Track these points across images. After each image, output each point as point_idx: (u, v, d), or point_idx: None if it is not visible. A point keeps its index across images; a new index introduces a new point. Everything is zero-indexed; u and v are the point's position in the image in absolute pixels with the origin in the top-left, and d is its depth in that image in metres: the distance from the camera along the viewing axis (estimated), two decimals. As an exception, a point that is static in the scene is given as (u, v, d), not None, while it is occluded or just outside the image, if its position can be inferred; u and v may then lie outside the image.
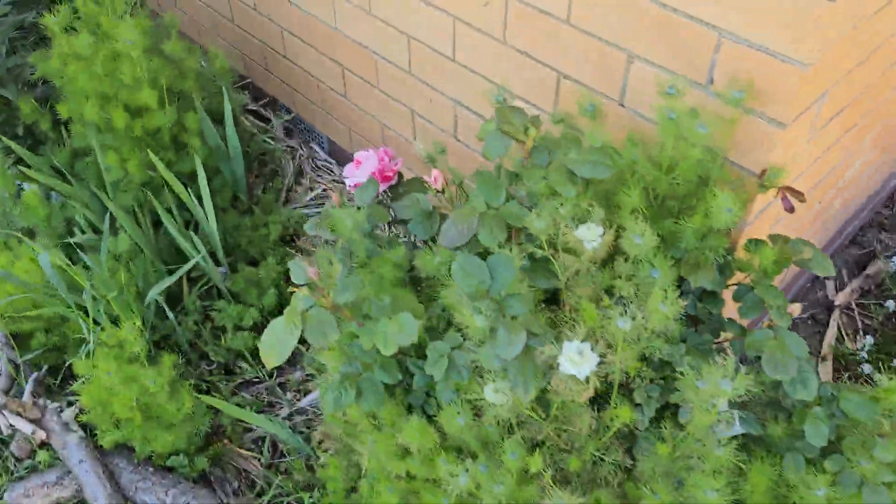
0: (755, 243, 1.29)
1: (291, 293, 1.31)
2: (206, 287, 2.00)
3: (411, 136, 2.08)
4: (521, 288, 1.14)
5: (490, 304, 1.10)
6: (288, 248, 2.18)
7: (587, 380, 1.10)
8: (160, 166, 1.87)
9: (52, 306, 1.78)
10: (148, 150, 1.89)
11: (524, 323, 1.11)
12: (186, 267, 1.87)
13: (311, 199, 2.38)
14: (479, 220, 1.27)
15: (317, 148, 2.54)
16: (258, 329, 1.92)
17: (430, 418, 1.29)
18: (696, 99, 1.31)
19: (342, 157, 2.46)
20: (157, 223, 2.01)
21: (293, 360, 1.97)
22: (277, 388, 1.92)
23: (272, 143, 2.50)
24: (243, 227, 2.10)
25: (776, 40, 1.16)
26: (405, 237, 1.69)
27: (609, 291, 1.23)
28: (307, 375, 1.94)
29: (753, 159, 1.31)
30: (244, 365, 1.94)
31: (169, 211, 1.95)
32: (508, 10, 1.55)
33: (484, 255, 1.18)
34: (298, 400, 1.91)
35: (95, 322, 1.78)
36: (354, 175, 1.63)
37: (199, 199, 1.94)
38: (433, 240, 1.42)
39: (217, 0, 2.51)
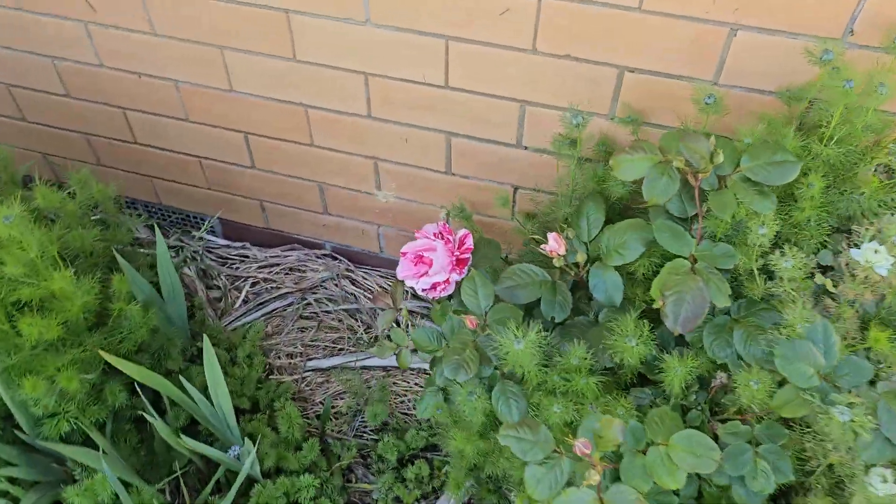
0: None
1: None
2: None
3: (373, 187, 1.70)
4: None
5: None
6: (279, 379, 1.72)
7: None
8: (117, 361, 1.31)
9: None
10: (79, 349, 1.31)
11: None
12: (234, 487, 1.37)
13: (249, 300, 1.89)
14: (705, 285, 1.04)
15: (207, 236, 2.00)
16: None
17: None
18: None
19: (247, 236, 1.97)
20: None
21: None
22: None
23: (143, 248, 1.91)
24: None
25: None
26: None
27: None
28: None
29: None
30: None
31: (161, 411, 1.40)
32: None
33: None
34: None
35: None
36: (424, 274, 1.27)
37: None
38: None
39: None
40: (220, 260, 1.98)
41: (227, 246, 1.99)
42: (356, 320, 1.87)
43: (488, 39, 1.30)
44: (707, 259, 1.09)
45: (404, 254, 1.31)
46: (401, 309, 1.34)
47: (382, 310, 1.36)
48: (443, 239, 1.27)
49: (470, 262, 1.28)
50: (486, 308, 1.18)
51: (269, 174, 1.76)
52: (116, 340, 1.38)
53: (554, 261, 1.21)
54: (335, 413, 1.70)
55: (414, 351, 1.31)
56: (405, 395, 1.73)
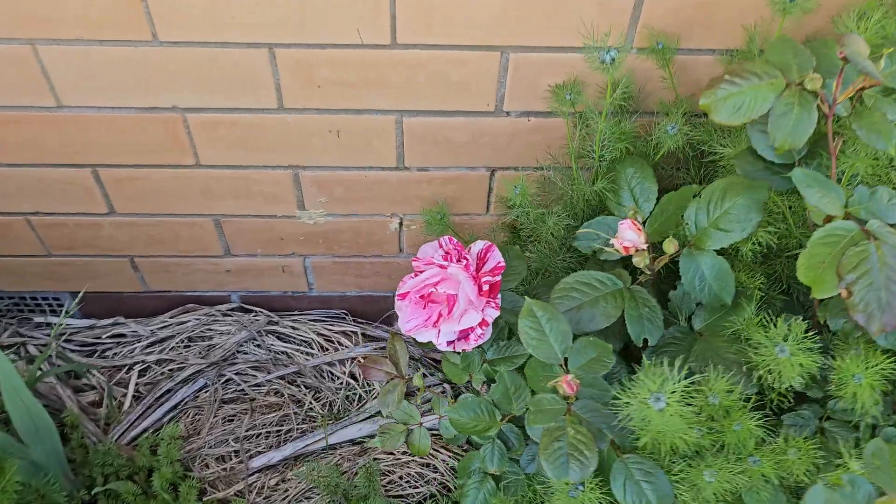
0: None
1: None
2: None
3: (294, 207, 1.23)
4: None
5: None
6: (216, 499, 1.22)
7: None
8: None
9: None
10: None
11: None
12: None
13: (141, 395, 1.36)
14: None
15: (58, 319, 1.44)
16: None
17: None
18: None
19: (119, 307, 1.43)
20: None
21: None
22: None
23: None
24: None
25: None
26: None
27: None
28: None
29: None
30: None
31: None
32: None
33: None
34: None
35: None
36: (442, 319, 0.86)
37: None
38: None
39: None
40: (86, 349, 1.42)
41: (92, 327, 1.44)
42: (299, 387, 1.40)
43: (455, -38, 0.89)
44: (868, 212, 0.75)
45: (402, 296, 0.87)
46: (409, 377, 0.91)
47: (380, 382, 0.92)
48: (458, 260, 0.86)
49: (500, 289, 0.87)
50: (562, 352, 0.78)
51: (139, 218, 1.25)
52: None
53: (635, 259, 0.83)
54: (307, 522, 1.24)
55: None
56: (392, 473, 1.30)
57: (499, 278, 0.86)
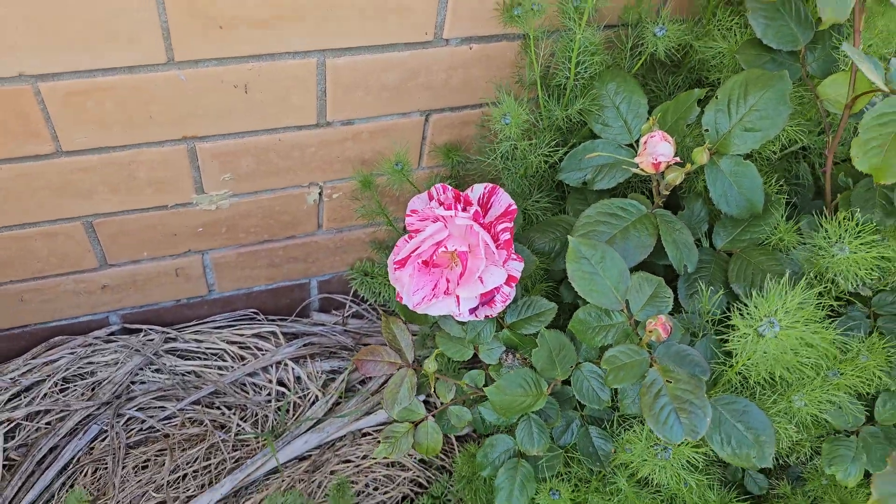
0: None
1: None
2: None
3: (190, 192, 0.99)
4: None
5: None
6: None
7: None
8: None
9: None
10: None
11: None
12: None
13: (15, 462, 1.06)
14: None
15: None
16: None
17: None
18: None
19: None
20: None
21: None
22: None
23: None
24: None
25: None
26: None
27: None
28: None
29: None
30: None
31: None
32: None
33: None
34: None
35: None
36: (455, 284, 0.71)
37: None
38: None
39: None
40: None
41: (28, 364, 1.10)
42: (220, 410, 1.16)
43: None
44: (906, 87, 0.70)
45: (401, 263, 0.70)
46: (418, 364, 0.74)
47: (383, 377, 0.75)
48: (465, 209, 0.70)
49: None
50: (623, 294, 0.66)
51: (-23, 236, 0.95)
52: None
53: (670, 176, 0.72)
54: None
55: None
56: (357, 483, 1.12)
57: (509, 226, 0.71)
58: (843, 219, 0.69)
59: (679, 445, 0.65)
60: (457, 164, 1.07)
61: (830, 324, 0.71)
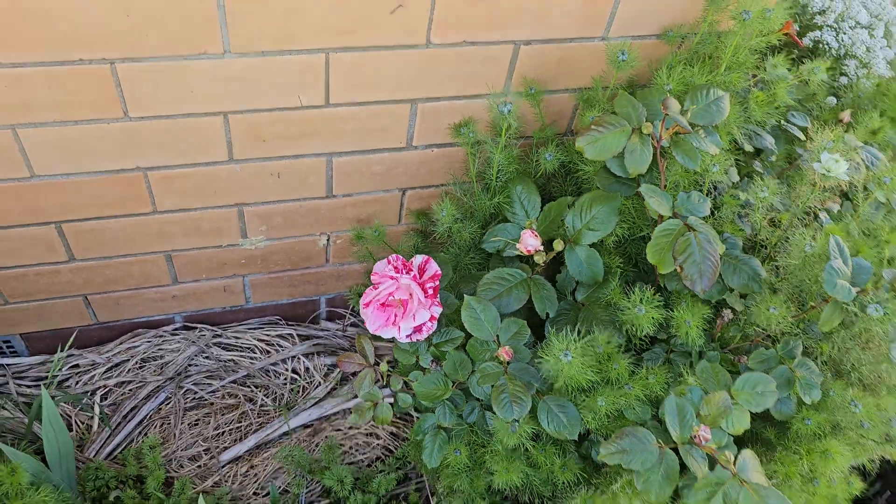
0: None
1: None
2: None
3: (237, 237, 1.44)
4: None
5: None
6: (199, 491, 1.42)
7: None
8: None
9: None
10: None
11: None
12: None
13: (107, 416, 1.52)
14: (707, 240, 1.07)
15: (8, 361, 1.55)
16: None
17: None
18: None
19: (68, 342, 1.57)
20: None
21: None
22: None
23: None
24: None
25: None
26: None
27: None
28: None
29: None
30: None
31: None
32: None
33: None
34: None
35: None
36: (399, 319, 1.14)
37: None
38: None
39: None
40: (38, 382, 1.56)
41: (45, 363, 1.57)
42: (250, 388, 1.61)
43: (376, 43, 1.15)
44: (687, 210, 1.11)
45: (366, 305, 1.14)
46: (377, 363, 1.18)
47: (354, 374, 1.19)
48: (407, 272, 1.14)
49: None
50: (494, 331, 1.09)
51: (96, 262, 1.41)
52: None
53: (536, 257, 1.15)
54: (282, 495, 1.48)
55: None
56: (344, 445, 1.56)
57: (436, 284, 1.15)
58: (639, 290, 1.11)
59: (522, 425, 1.08)
60: (425, 223, 1.51)
61: (632, 356, 1.13)
